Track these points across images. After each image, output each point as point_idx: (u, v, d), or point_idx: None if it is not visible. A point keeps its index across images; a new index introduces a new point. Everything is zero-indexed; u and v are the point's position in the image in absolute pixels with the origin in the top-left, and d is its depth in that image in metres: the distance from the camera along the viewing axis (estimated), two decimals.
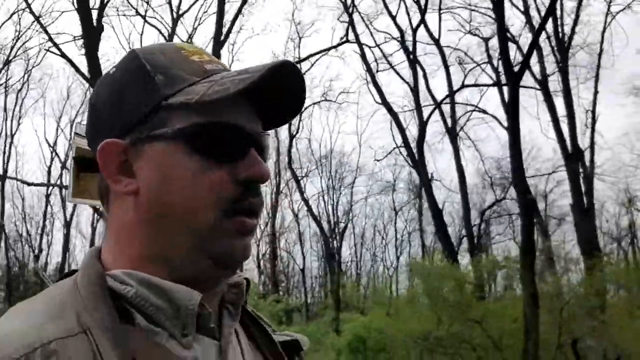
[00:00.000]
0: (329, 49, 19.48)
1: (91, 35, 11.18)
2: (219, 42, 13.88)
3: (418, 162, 17.11)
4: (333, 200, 27.76)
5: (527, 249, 11.69)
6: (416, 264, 19.13)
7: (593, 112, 19.44)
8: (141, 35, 19.73)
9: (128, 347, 0.58)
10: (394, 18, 16.10)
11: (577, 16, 18.26)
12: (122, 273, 0.64)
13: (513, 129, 12.45)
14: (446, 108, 18.88)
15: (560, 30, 18.54)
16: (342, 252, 26.44)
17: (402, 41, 17.33)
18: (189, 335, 0.62)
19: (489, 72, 20.63)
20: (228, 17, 15.19)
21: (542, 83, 18.60)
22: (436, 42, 18.02)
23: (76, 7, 11.75)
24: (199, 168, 0.64)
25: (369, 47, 18.41)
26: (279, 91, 0.69)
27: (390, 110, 18.08)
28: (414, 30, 14.58)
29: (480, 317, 10.82)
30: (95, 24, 11.72)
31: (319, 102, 24.04)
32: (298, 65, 0.60)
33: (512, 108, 12.80)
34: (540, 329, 9.67)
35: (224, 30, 14.53)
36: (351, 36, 18.10)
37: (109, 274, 0.64)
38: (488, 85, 19.92)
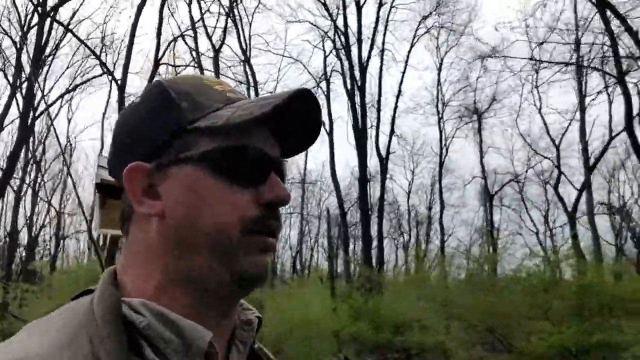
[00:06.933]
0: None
1: None
2: None
3: None
4: None
5: None
6: None
7: (392, 120, 22.03)
8: None
9: None
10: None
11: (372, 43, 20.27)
12: (138, 303, 0.63)
13: None
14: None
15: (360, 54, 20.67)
16: None
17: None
18: None
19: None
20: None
21: (351, 95, 20.87)
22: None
23: None
24: (223, 189, 0.66)
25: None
26: (297, 120, 0.73)
27: None
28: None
29: None
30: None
31: None
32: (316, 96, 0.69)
33: None
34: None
35: None
36: None
37: (125, 300, 0.64)
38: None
